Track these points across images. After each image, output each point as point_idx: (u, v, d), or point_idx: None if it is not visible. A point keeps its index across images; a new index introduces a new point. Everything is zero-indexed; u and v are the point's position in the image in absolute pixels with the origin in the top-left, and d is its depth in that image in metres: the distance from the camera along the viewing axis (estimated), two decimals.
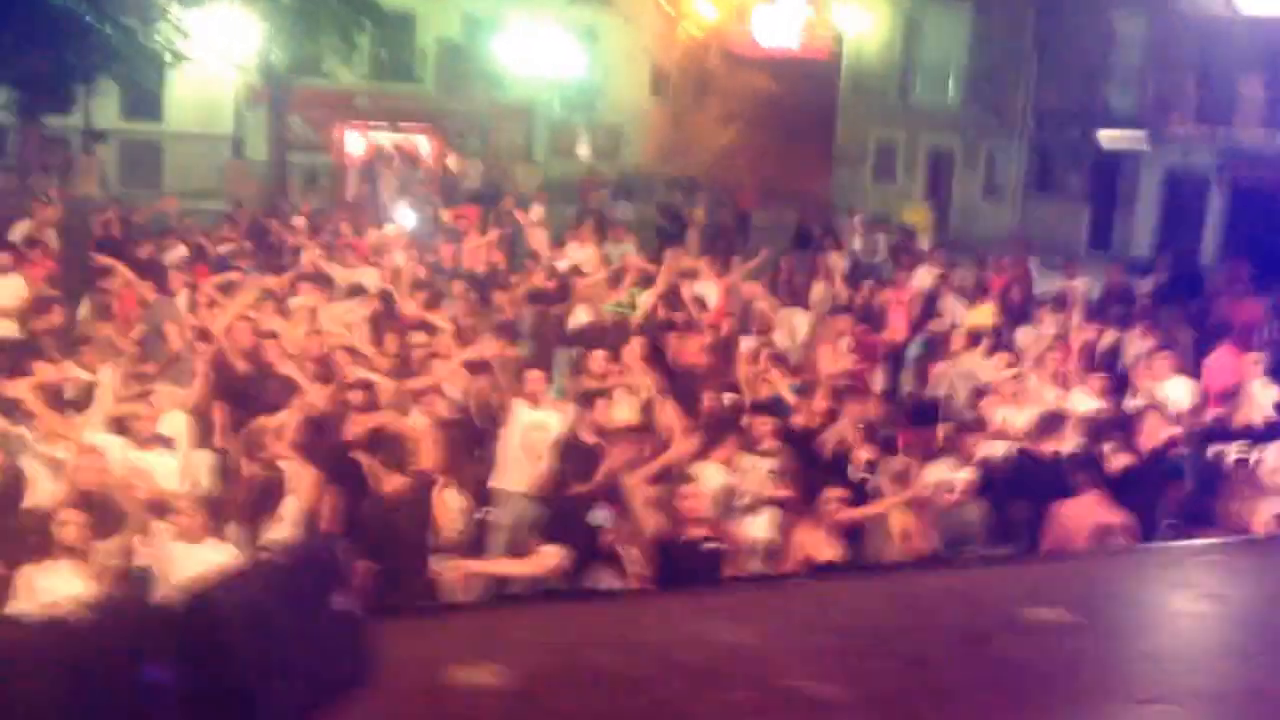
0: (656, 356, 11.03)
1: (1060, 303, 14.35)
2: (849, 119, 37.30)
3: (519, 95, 34.27)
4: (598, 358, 10.47)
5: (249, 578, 4.01)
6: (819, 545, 8.30)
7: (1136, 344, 12.82)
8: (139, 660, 3.67)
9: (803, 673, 5.10)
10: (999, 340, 12.94)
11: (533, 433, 9.02)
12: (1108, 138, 30.32)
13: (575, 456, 8.60)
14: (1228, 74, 27.19)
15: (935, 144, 35.17)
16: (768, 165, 35.41)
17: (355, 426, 8.13)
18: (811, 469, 9.38)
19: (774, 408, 9.95)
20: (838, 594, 7.10)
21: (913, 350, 13.24)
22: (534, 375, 9.67)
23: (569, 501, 8.03)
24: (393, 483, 7.29)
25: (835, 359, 12.29)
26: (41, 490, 7.41)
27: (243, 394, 9.46)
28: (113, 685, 3.60)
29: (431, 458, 7.71)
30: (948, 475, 9.03)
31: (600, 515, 7.48)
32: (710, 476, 8.43)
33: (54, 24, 24.72)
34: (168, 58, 27.42)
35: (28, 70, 25.25)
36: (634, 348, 10.91)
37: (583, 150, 35.95)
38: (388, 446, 7.63)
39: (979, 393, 11.30)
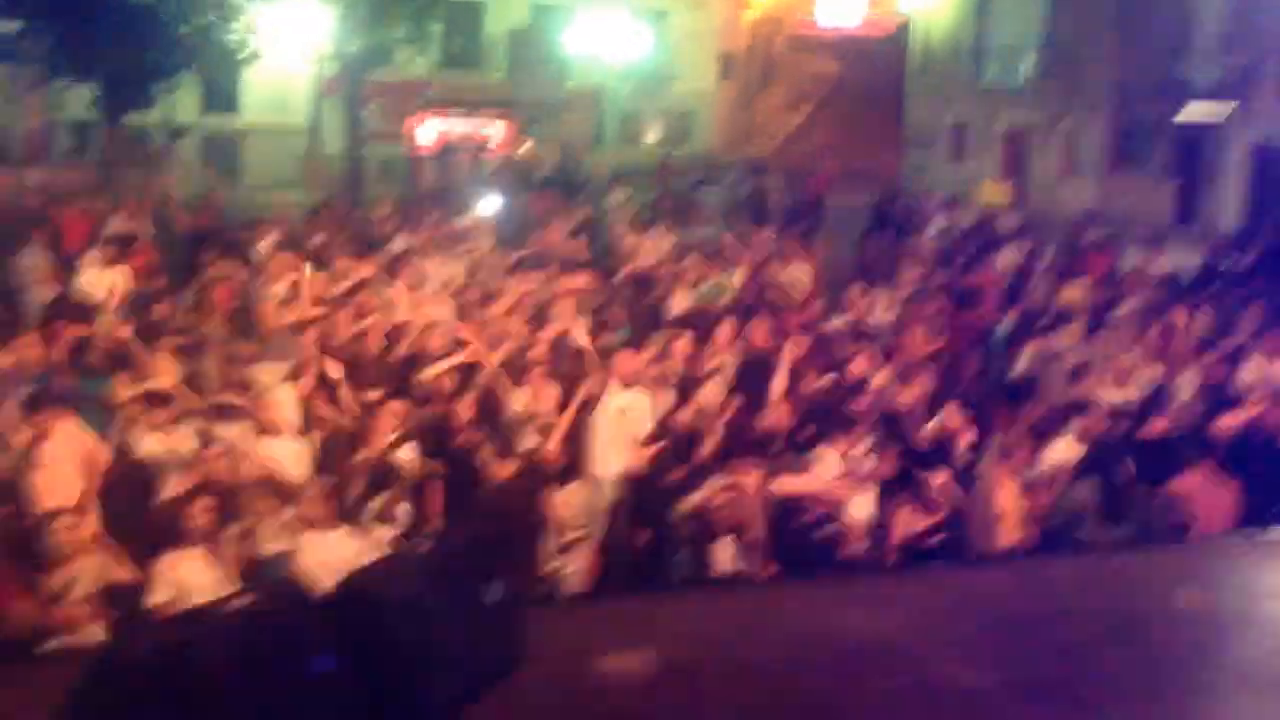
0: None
1: (1155, 280, 14.10)
2: (920, 99, 36.87)
3: (589, 81, 34.27)
4: (685, 342, 10.44)
5: (406, 568, 4.03)
6: (922, 527, 8.24)
7: (1243, 320, 12.53)
8: (304, 651, 3.71)
9: (956, 661, 5.06)
10: (1093, 318, 12.76)
11: (625, 416, 9.00)
12: (1191, 111, 29.71)
13: (672, 439, 8.56)
14: None
15: (1010, 122, 34.65)
16: (837, 147, 35.15)
17: (463, 412, 8.16)
18: (909, 450, 9.32)
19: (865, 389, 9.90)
20: (974, 581, 7.05)
21: (1003, 330, 13.03)
22: (626, 357, 9.61)
23: (666, 484, 8.03)
24: (505, 469, 7.31)
25: (926, 340, 12.18)
26: (171, 482, 7.51)
27: (347, 380, 9.54)
28: (281, 675, 3.64)
29: (545, 444, 7.74)
30: (1055, 455, 8.90)
31: (696, 498, 7.46)
32: (827, 460, 8.38)
33: (135, 23, 25.15)
34: (244, 52, 27.79)
35: (111, 68, 25.70)
36: (725, 330, 10.90)
37: (652, 136, 35.88)
38: (499, 432, 7.65)
39: (1076, 372, 11.15)
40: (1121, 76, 31.64)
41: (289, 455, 8.04)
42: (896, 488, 8.50)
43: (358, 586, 3.85)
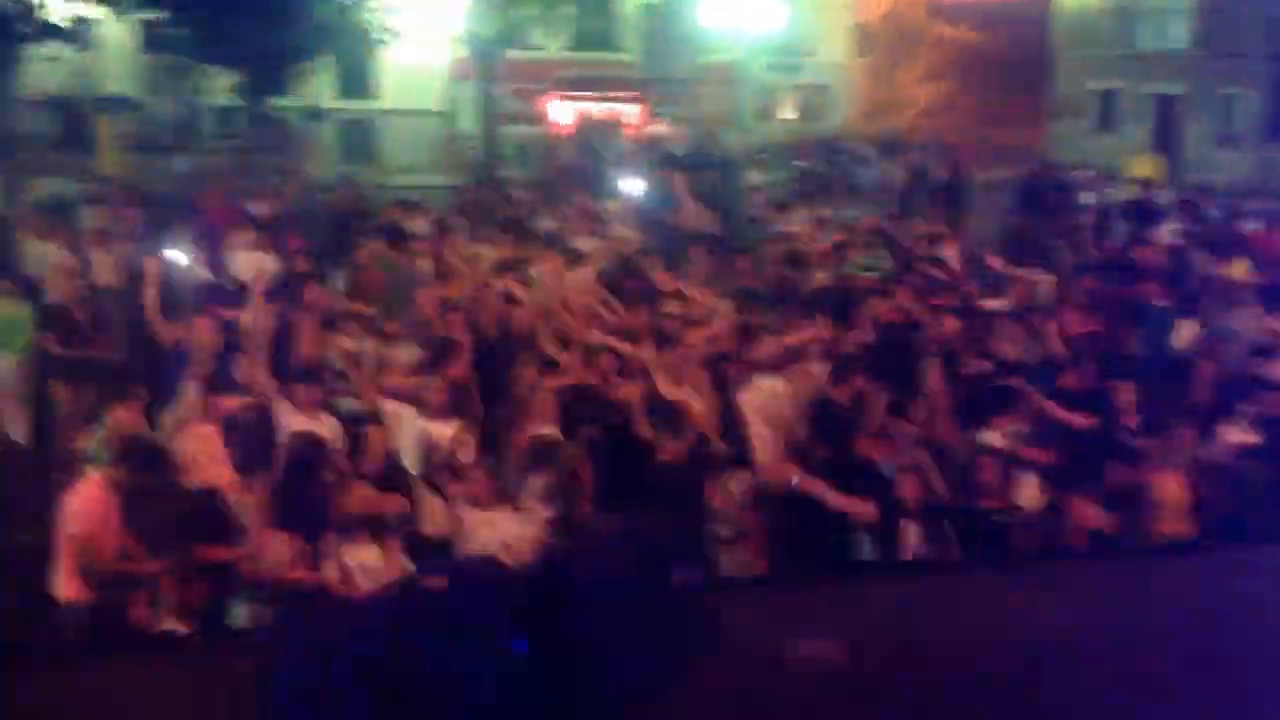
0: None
1: None
2: (1065, 68, 35.65)
3: (723, 58, 33.86)
4: (824, 323, 10.13)
5: (595, 551, 3.86)
6: (1093, 515, 7.85)
7: None
8: (498, 634, 3.58)
9: (1144, 651, 4.76)
10: (1261, 295, 12.07)
11: (772, 400, 8.76)
12: None
13: (824, 421, 8.27)
14: None
15: (1161, 91, 33.30)
16: (979, 120, 34.21)
17: (624, 394, 7.96)
18: (1074, 434, 8.91)
19: (1031, 371, 9.48)
20: (1155, 572, 6.66)
21: (1163, 308, 12.38)
22: (768, 341, 9.32)
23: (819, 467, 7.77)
24: (672, 450, 7.12)
25: (1083, 320, 11.69)
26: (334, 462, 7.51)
27: (493, 362, 9.46)
28: (475, 658, 3.53)
29: (708, 426, 7.53)
30: (1226, 440, 8.41)
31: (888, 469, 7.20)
32: (990, 443, 8.03)
33: (275, 7, 25.55)
34: (381, 34, 28.09)
35: (252, 53, 26.17)
36: (876, 308, 10.57)
37: (786, 112, 35.35)
38: (661, 415, 7.44)
39: (1255, 352, 10.56)
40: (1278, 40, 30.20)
41: (445, 435, 7.98)
42: (1068, 475, 8.13)
43: (548, 568, 3.69)
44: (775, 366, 9.01)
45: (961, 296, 11.36)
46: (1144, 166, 29.68)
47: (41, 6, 25.92)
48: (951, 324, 10.85)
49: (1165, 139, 32.94)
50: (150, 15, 27.75)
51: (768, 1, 32.45)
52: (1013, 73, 36.90)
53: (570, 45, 32.05)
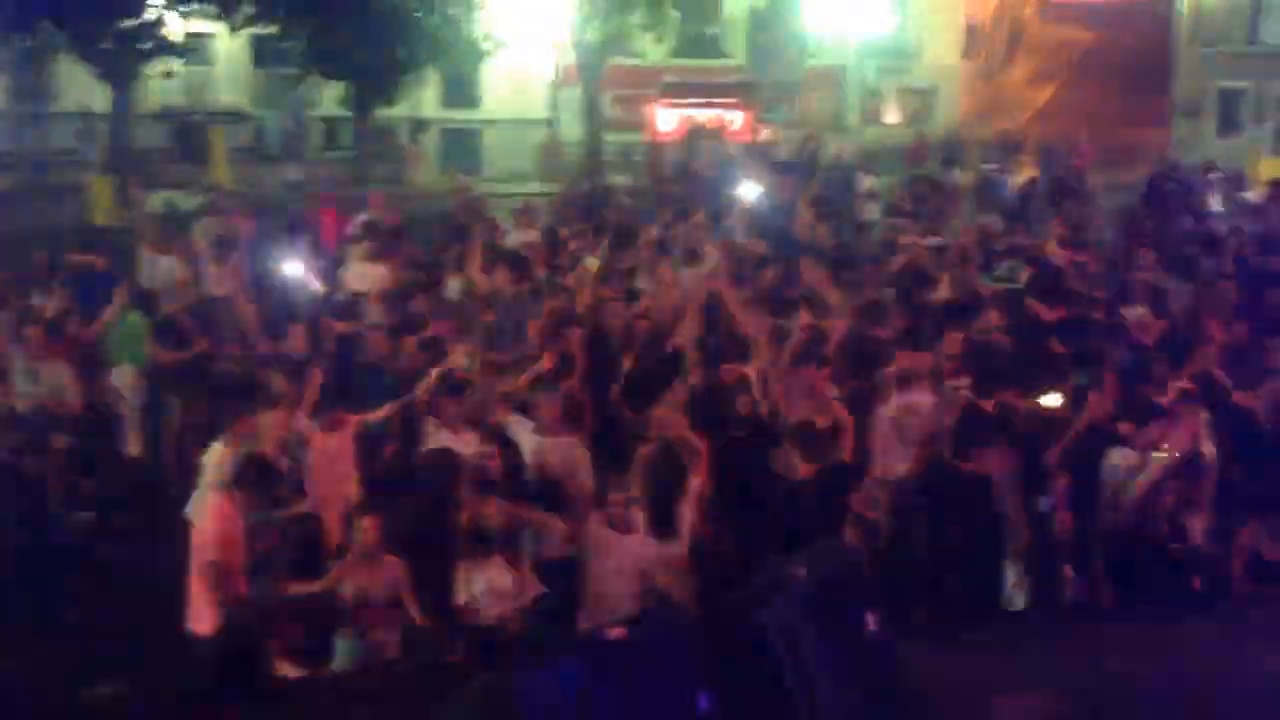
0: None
1: None
2: (1187, 67, 34.43)
3: (829, 61, 33.36)
4: (955, 339, 9.70)
5: (788, 598, 3.56)
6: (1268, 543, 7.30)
7: None
8: (689, 683, 3.32)
9: None
10: None
11: (905, 416, 8.40)
12: None
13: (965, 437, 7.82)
14: None
15: None
16: (1096, 121, 33.16)
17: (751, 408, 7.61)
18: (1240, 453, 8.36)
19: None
20: None
21: None
22: (903, 357, 8.93)
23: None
24: (806, 470, 6.78)
25: (1224, 329, 11.12)
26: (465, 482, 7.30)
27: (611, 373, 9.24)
28: (667, 706, 3.29)
29: (851, 450, 7.17)
30: None
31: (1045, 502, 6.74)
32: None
33: (384, 19, 25.75)
34: (488, 44, 28.15)
35: (360, 64, 26.42)
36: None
37: (894, 115, 34.68)
38: (803, 433, 7.10)
39: None
40: None
41: (571, 454, 7.71)
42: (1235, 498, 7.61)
43: (737, 614, 3.40)
44: (908, 381, 8.59)
45: (1105, 306, 10.80)
46: (1271, 169, 28.49)
47: (160, 23, 26.48)
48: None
49: None
50: (263, 30, 28.16)
51: (874, 3, 31.89)
52: (1132, 73, 35.78)
53: (675, 51, 31.78)
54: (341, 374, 9.40)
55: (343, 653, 6.12)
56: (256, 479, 6.34)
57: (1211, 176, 21.76)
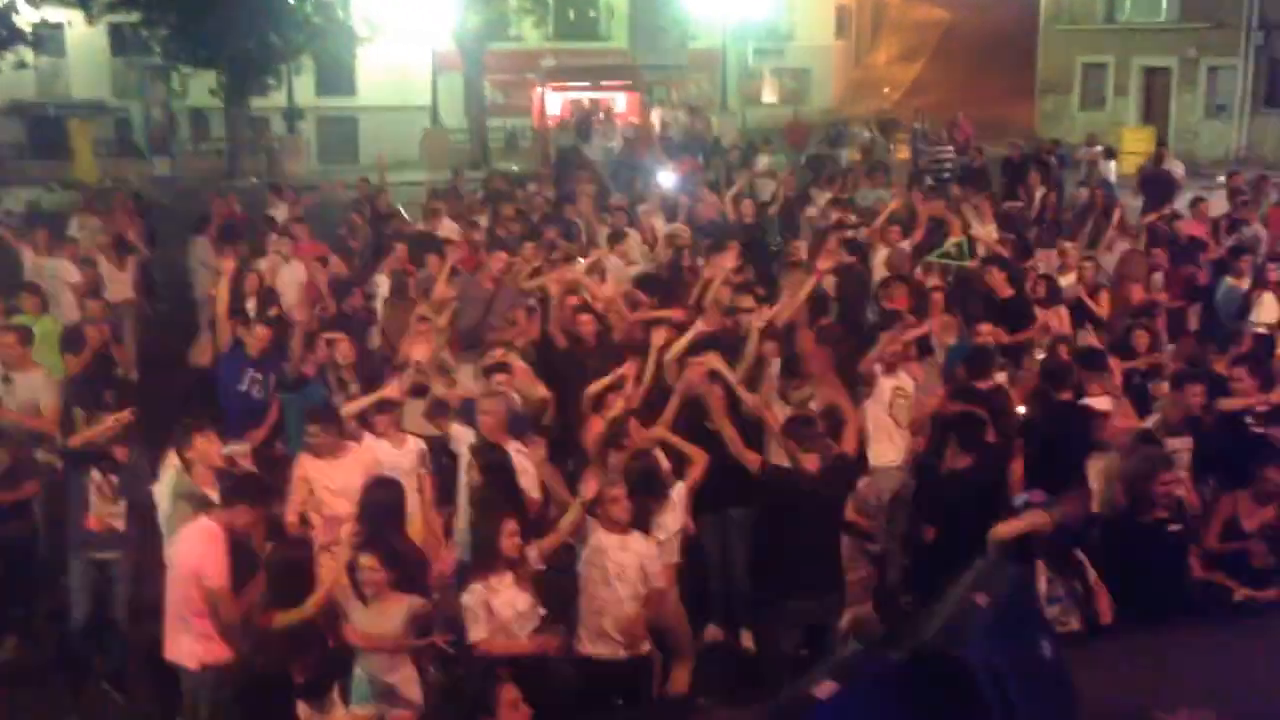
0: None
1: None
2: (1052, 44, 35.41)
3: (708, 44, 33.42)
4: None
5: (980, 630, 3.37)
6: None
7: None
8: None
9: None
10: None
11: (899, 400, 8.28)
12: None
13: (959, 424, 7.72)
14: None
15: (1148, 64, 33.14)
16: (964, 98, 33.92)
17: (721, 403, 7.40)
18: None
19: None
20: None
21: (1226, 282, 11.92)
22: (885, 339, 8.66)
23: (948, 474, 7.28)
24: (811, 462, 6.59)
25: (1144, 295, 11.35)
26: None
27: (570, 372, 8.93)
28: None
29: (854, 442, 7.02)
30: None
31: (1023, 497, 6.65)
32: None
33: (254, 5, 24.87)
34: (364, 31, 27.47)
35: (234, 53, 25.50)
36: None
37: (770, 95, 34.95)
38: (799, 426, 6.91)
39: None
40: (1268, 10, 30.04)
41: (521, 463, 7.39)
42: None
43: (940, 651, 3.20)
44: (892, 367, 8.41)
45: (1046, 282, 10.87)
46: (1133, 140, 29.47)
47: (11, 10, 25.14)
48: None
49: (1152, 112, 32.78)
50: (122, 18, 26.97)
51: None
52: (996, 50, 36.69)
53: (555, 35, 31.48)
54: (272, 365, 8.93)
55: (360, 695, 5.71)
56: (245, 493, 5.92)
57: (1096, 149, 22.33)
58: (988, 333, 9.11)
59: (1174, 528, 6.73)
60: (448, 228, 13.03)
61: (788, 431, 6.90)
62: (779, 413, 7.54)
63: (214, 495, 6.27)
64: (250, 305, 10.48)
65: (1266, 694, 4.44)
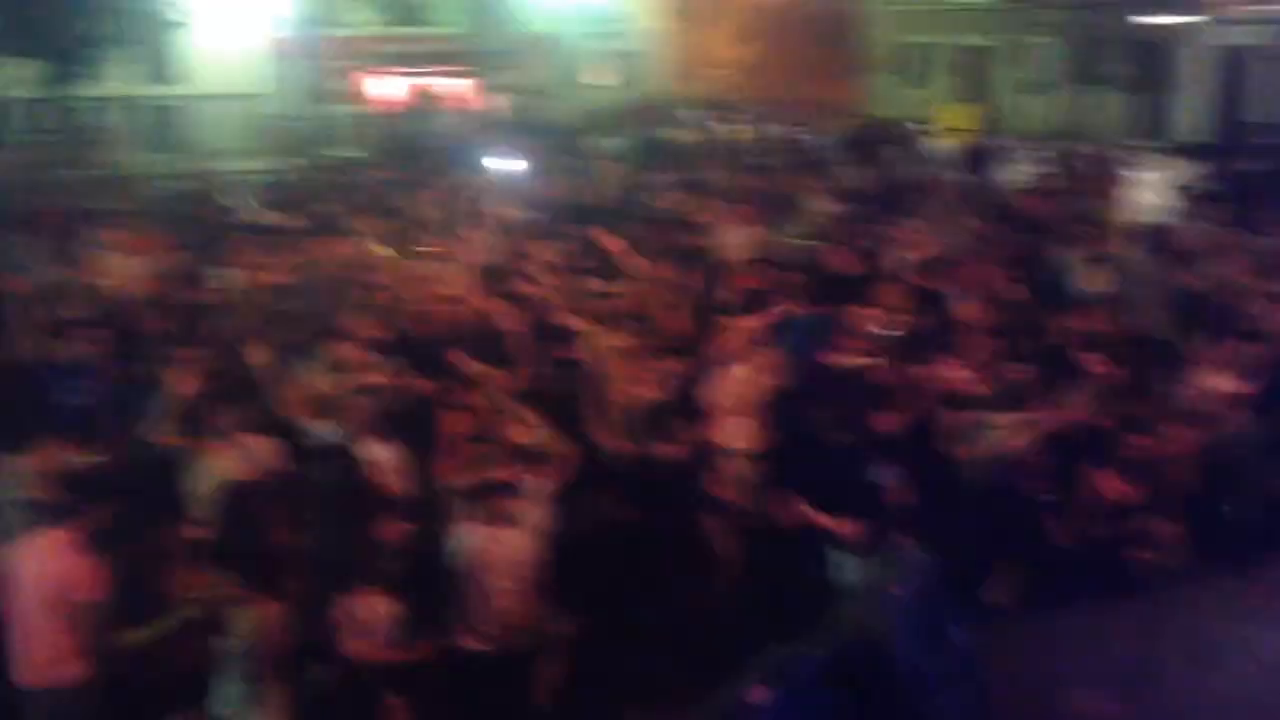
0: None
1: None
2: (877, 24, 36.41)
3: (543, 27, 33.36)
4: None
5: (893, 619, 3.51)
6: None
7: None
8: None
9: None
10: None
11: (743, 387, 8.44)
12: (1152, 22, 29.58)
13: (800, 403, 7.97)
14: None
15: (969, 43, 34.37)
16: (793, 79, 34.61)
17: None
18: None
19: None
20: None
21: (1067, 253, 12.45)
22: (739, 326, 8.81)
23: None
24: (668, 450, 6.76)
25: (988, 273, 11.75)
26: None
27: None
28: None
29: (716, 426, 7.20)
30: (1214, 385, 8.42)
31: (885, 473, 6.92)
32: None
33: None
34: (180, 19, 26.75)
35: (54, 42, 24.54)
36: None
37: (607, 79, 35.07)
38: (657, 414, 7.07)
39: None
40: None
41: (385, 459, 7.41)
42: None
43: (864, 646, 3.35)
44: (739, 354, 8.50)
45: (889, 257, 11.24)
46: (957, 116, 30.53)
47: None
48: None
49: (974, 89, 33.97)
50: None
51: None
52: (823, 30, 37.43)
53: (391, 20, 31.01)
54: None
55: (230, 703, 5.64)
56: (100, 500, 5.79)
57: (926, 127, 23.05)
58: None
59: (1046, 499, 7.05)
60: (283, 218, 12.90)
61: (650, 419, 7.05)
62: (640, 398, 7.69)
63: (58, 503, 6.08)
64: (76, 302, 10.19)
65: (1165, 668, 4.75)
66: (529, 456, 6.94)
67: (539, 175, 17.04)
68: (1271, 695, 4.91)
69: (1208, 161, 19.67)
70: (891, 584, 3.74)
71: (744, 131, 27.33)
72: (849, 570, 6.61)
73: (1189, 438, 7.86)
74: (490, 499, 6.26)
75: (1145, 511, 7.29)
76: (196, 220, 13.63)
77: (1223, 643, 5.25)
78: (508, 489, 6.35)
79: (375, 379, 8.19)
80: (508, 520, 6.36)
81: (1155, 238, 12.22)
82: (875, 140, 22.19)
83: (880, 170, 18.78)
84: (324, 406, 7.74)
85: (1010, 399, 8.13)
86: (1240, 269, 11.06)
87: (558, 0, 31.51)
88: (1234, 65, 28.21)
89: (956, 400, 7.93)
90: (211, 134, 28.62)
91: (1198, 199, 14.95)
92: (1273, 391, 8.52)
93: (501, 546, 6.28)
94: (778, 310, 9.16)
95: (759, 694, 3.32)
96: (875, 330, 9.53)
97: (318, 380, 8.31)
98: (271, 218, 13.40)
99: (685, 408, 7.63)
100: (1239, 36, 27.98)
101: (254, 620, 5.67)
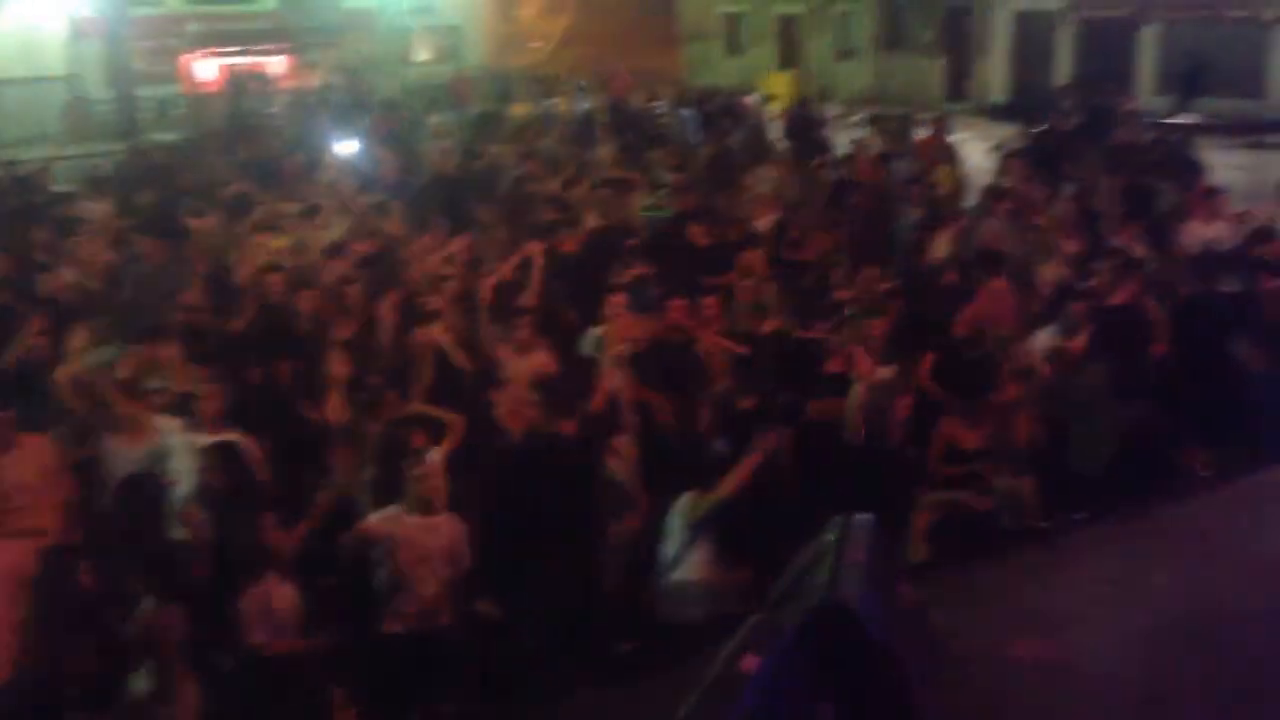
0: None
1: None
2: None
3: (361, 4, 32.68)
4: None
5: (854, 580, 3.63)
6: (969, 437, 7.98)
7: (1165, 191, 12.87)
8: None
9: None
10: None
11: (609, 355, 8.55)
12: None
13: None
14: None
15: (783, 12, 35.13)
16: (610, 48, 34.73)
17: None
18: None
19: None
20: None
21: (911, 220, 12.85)
22: (522, 323, 8.75)
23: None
24: (568, 425, 6.87)
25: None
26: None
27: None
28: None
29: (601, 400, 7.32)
30: (1053, 343, 8.92)
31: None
32: None
33: None
34: None
35: None
36: None
37: (424, 53, 34.59)
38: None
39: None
40: None
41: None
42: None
43: (835, 608, 3.49)
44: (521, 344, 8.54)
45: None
46: (776, 84, 31.20)
47: None
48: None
49: (790, 57, 34.78)
50: None
51: None
52: (639, 1, 37.68)
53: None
54: None
55: (138, 696, 5.57)
56: None
57: (754, 97, 23.43)
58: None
59: (908, 453, 7.44)
60: (94, 209, 12.48)
61: (539, 393, 7.16)
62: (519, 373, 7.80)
63: None
64: None
65: (1084, 610, 5.10)
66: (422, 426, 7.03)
67: (374, 153, 16.76)
68: (1190, 622, 5.33)
69: (1014, 122, 20.69)
70: (848, 547, 3.94)
71: (575, 102, 27.35)
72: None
73: (1023, 391, 8.35)
74: (422, 486, 6.25)
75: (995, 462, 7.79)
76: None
77: (1123, 583, 5.67)
78: (416, 461, 6.36)
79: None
80: (423, 504, 6.39)
81: (985, 197, 12.77)
82: (712, 108, 22.42)
83: (720, 138, 19.01)
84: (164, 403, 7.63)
85: (873, 359, 8.55)
86: (1054, 225, 11.70)
87: None
88: (1035, 29, 29.58)
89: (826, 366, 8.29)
90: (10, 119, 27.18)
91: (1009, 158, 15.65)
92: (1102, 342, 9.13)
93: (437, 537, 6.27)
94: (631, 277, 9.40)
95: (749, 662, 3.48)
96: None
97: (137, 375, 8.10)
98: (88, 208, 12.90)
99: (565, 381, 7.75)
100: (1039, 2, 29.34)
101: (154, 613, 5.63)
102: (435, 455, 6.93)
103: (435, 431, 7.12)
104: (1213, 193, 12.22)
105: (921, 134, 17.20)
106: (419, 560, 6.20)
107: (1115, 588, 5.76)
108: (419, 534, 6.26)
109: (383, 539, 6.23)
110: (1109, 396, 8.48)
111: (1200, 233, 11.48)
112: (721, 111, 20.88)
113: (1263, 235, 10.85)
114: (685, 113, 21.67)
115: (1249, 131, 23.24)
